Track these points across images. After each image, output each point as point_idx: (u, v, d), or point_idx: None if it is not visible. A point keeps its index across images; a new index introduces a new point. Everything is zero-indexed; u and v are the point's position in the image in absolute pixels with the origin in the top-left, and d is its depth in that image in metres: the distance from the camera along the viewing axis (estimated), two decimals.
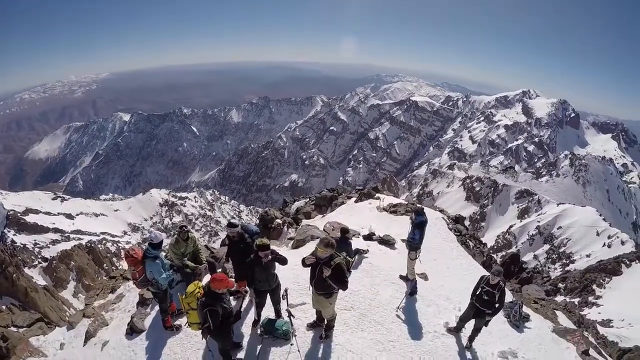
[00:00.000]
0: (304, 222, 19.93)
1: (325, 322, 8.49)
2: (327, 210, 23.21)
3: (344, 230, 11.55)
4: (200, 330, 7.36)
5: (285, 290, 8.21)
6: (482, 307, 9.03)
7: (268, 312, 8.85)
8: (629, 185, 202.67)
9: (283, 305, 8.56)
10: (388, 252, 13.75)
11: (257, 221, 23.23)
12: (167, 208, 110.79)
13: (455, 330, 10.07)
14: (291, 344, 8.21)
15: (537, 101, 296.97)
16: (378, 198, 22.57)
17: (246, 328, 8.75)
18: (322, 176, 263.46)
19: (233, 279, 8.85)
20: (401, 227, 16.14)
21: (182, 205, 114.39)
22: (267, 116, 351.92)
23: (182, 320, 9.28)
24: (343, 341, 8.59)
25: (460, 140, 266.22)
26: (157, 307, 10.09)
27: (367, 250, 13.02)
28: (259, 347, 8.08)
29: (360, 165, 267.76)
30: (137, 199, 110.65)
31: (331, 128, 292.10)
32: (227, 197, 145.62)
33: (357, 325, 9.23)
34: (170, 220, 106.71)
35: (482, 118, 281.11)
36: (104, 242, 77.05)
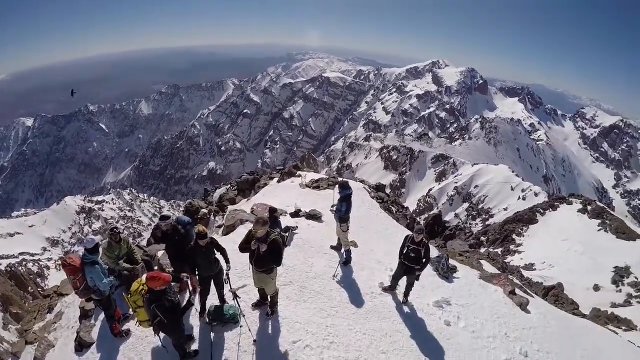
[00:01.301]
0: (230, 208, 19.94)
1: (269, 299, 8.70)
2: (251, 194, 23.21)
3: (272, 210, 11.84)
4: (152, 328, 7.30)
5: (227, 274, 8.33)
6: (410, 264, 9.62)
7: (211, 300, 8.92)
8: (537, 143, 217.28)
9: (226, 289, 8.68)
10: (317, 226, 14.17)
11: (183, 214, 22.94)
12: (85, 215, 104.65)
13: (391, 289, 10.70)
14: (241, 326, 8.36)
15: (447, 71, 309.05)
16: (300, 176, 22.87)
17: (194, 319, 8.77)
18: (240, 161, 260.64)
19: (170, 273, 8.77)
20: (325, 201, 16.65)
21: (101, 209, 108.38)
22: (179, 105, 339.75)
23: (130, 324, 9.16)
24: (289, 314, 8.87)
25: (375, 112, 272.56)
26: (101, 317, 9.78)
27: (297, 227, 13.32)
28: (211, 336, 8.16)
29: (278, 146, 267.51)
30: (52, 211, 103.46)
31: (245, 111, 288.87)
32: (145, 195, 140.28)
33: (299, 298, 9.54)
34: (90, 227, 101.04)
35: (394, 90, 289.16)
36: (24, 263, 71.67)
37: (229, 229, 14.26)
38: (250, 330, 8.14)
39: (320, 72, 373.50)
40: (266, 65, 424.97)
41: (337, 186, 11.51)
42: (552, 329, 12.08)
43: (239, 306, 8.30)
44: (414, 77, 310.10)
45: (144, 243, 19.59)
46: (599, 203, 46.72)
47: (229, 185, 28.67)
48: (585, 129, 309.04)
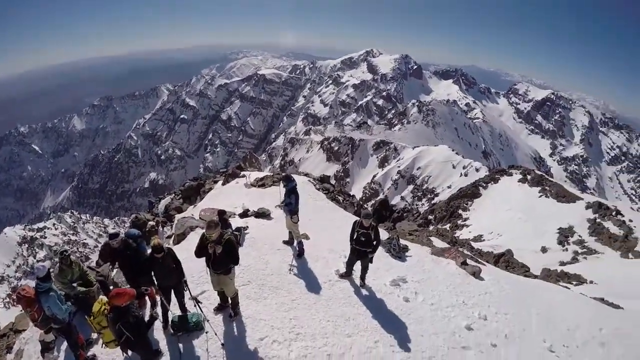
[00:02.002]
0: (178, 216, 19.69)
1: (230, 301, 8.74)
2: (197, 200, 23.09)
3: (221, 213, 11.86)
4: (119, 347, 7.15)
5: (184, 281, 8.33)
6: (362, 247, 9.84)
7: (172, 311, 8.81)
8: (474, 121, 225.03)
9: (186, 297, 8.63)
10: (266, 224, 14.36)
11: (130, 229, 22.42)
12: (27, 245, 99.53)
13: (347, 275, 10.94)
14: (206, 332, 8.33)
15: (381, 59, 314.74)
16: (244, 176, 23.00)
17: (159, 333, 8.63)
18: (181, 168, 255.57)
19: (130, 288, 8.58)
20: (272, 197, 16.88)
21: (43, 237, 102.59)
22: (113, 117, 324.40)
23: (95, 349, 8.89)
24: (251, 313, 8.94)
25: (312, 105, 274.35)
26: (63, 347, 9.36)
27: (247, 226, 13.38)
28: (179, 346, 8.10)
29: (218, 149, 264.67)
30: None
31: (182, 116, 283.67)
32: (88, 215, 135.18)
33: (259, 296, 9.62)
34: (35, 257, 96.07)
35: (330, 81, 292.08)
36: None
37: (179, 238, 14.17)
38: (216, 334, 8.15)
39: (255, 69, 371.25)
40: (200, 67, 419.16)
41: (281, 181, 11.69)
42: (507, 292, 12.66)
43: (202, 312, 8.31)
44: (349, 67, 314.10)
45: (93, 265, 19.11)
46: (537, 171, 48.85)
47: (173, 194, 28.25)
48: (519, 103, 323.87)
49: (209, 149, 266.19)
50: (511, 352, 9.85)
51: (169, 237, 16.10)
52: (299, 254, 11.67)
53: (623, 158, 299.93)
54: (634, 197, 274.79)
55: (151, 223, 16.60)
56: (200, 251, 8.13)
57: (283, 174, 13.60)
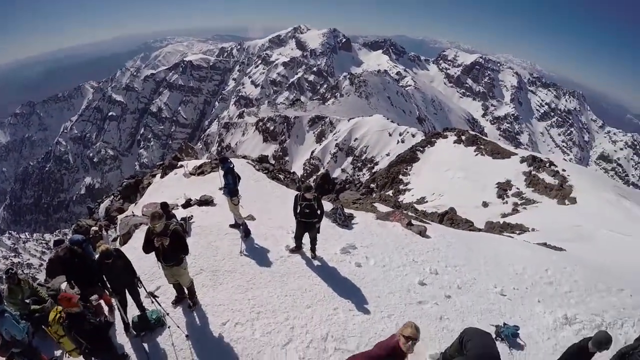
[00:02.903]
0: (120, 217, 19.41)
1: (187, 292, 8.71)
2: (137, 198, 22.86)
3: (164, 206, 11.79)
4: (82, 356, 7.01)
5: (138, 280, 8.24)
6: (308, 219, 10.04)
7: (130, 312, 8.69)
8: (406, 89, 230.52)
9: (142, 295, 8.53)
10: (210, 210, 14.42)
11: None
12: None
13: (297, 249, 11.11)
14: (169, 327, 8.26)
15: (309, 34, 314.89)
16: (182, 166, 22.87)
17: (121, 336, 8.45)
18: (116, 168, 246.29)
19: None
20: (213, 183, 16.92)
21: None
22: (37, 124, 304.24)
23: None
24: (210, 300, 8.97)
25: (243, 87, 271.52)
26: None
27: (192, 215, 13.35)
28: (144, 346, 8.00)
29: (152, 143, 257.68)
30: None
31: (110, 114, 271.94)
32: (27, 233, 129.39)
33: (214, 282, 9.64)
34: None
35: (259, 61, 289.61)
36: None
37: (125, 238, 13.96)
38: (178, 327, 8.14)
39: (181, 56, 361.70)
40: (123, 60, 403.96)
41: (219, 164, 11.69)
42: (454, 246, 13.29)
43: (161, 307, 8.23)
44: (278, 45, 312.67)
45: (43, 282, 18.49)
46: (471, 132, 50.63)
47: (112, 196, 27.92)
48: (449, 69, 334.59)
49: (142, 145, 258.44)
50: (465, 301, 10.39)
51: (115, 239, 15.89)
52: (246, 234, 11.68)
53: (552, 114, 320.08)
54: (565, 149, 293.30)
55: (94, 229, 16.25)
56: (147, 246, 7.98)
57: (219, 156, 13.58)
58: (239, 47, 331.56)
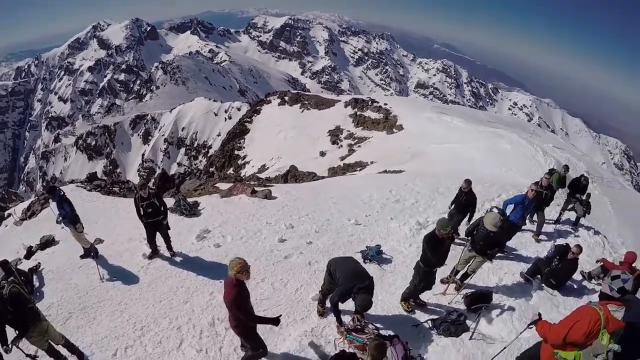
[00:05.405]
0: None
1: (66, 348, 7.79)
2: None
3: (3, 264, 10.48)
4: None
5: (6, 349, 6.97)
6: (154, 219, 10.15)
7: None
8: (222, 64, 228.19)
9: None
10: (56, 249, 13.09)
11: None
12: None
13: (154, 253, 10.98)
14: None
15: (111, 30, 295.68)
16: (10, 215, 20.62)
17: None
18: None
19: None
20: (49, 220, 14.87)
21: None
22: None
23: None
24: (91, 338, 8.46)
25: (51, 107, 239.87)
26: None
27: (39, 263, 11.90)
28: None
29: None
30: None
31: None
32: None
33: (88, 320, 9.07)
34: None
35: (62, 73, 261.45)
36: None
37: None
38: None
39: None
40: None
41: (48, 196, 11.06)
42: (301, 198, 14.41)
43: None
44: (79, 50, 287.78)
45: None
46: (292, 91, 52.45)
47: None
48: (260, 36, 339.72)
49: None
50: (326, 241, 11.49)
51: None
52: (94, 256, 11.05)
53: (366, 57, 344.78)
54: (384, 86, 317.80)
55: None
56: None
57: (46, 187, 12.64)
58: (36, 62, 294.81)
